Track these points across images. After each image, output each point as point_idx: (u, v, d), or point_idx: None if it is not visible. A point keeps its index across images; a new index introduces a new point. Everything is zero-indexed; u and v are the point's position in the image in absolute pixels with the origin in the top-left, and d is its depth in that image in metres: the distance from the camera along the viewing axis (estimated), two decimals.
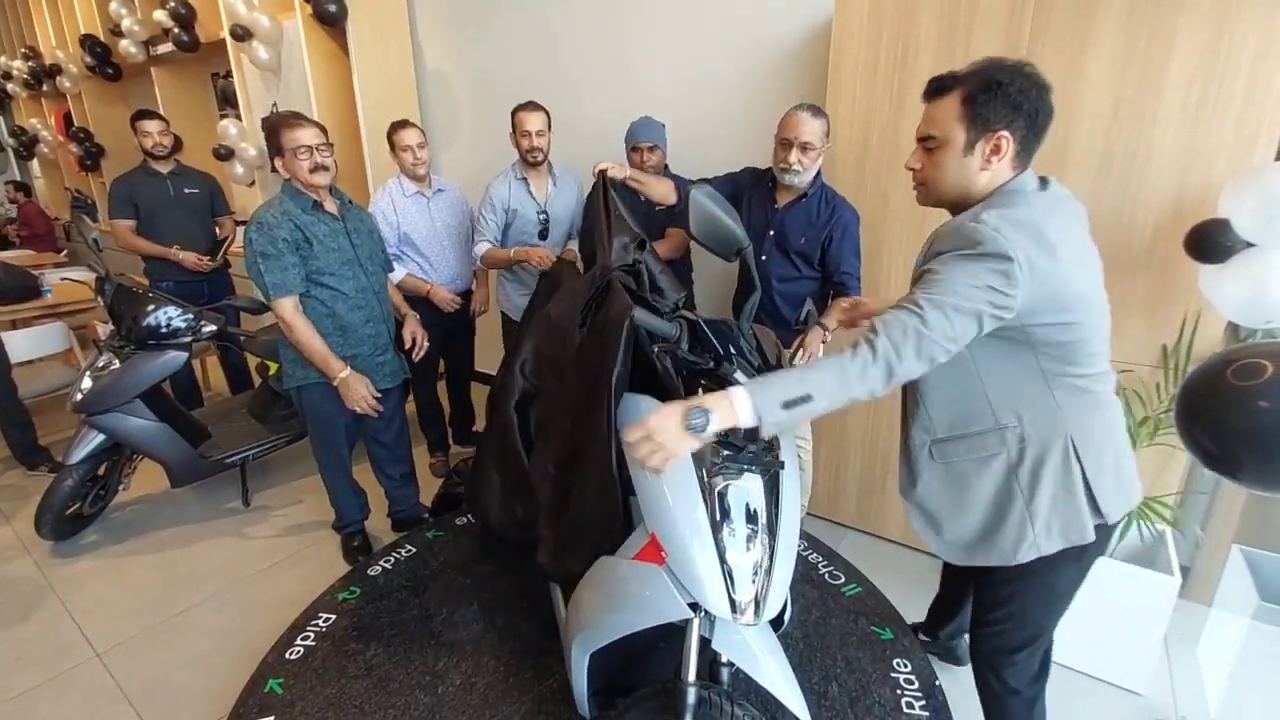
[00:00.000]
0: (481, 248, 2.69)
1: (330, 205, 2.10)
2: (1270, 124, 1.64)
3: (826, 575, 2.26)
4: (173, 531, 2.72)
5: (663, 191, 2.13)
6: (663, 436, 0.96)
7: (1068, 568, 1.22)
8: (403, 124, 2.69)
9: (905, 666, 1.85)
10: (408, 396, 3.47)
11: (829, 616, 2.05)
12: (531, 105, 2.60)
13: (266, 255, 1.93)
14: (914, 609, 2.07)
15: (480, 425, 3.42)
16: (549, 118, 2.62)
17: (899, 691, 1.77)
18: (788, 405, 0.96)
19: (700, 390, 1.32)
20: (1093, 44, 1.81)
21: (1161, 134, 1.76)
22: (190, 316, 2.64)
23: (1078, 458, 1.13)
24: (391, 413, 2.39)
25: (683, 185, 2.05)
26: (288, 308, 1.98)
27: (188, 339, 2.65)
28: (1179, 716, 1.73)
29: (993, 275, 0.97)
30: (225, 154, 4.45)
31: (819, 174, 2.15)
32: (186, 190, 3.42)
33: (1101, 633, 1.82)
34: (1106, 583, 1.77)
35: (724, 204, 1.22)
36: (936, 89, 1.13)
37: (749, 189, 2.20)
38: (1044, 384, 1.12)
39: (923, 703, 1.73)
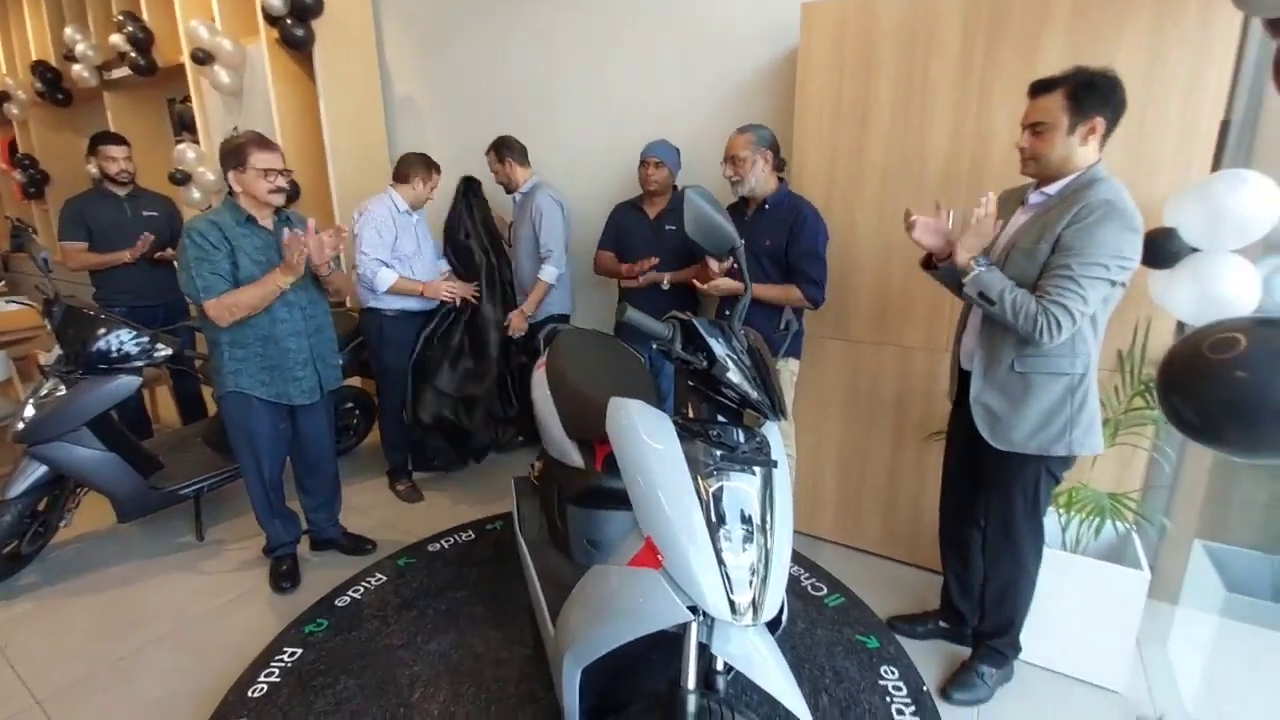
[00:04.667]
0: (550, 272, 2.90)
1: (266, 220, 2.14)
2: (1204, 143, 1.78)
3: (809, 587, 2.25)
4: (119, 569, 2.55)
5: (732, 287, 2.22)
6: (980, 230, 1.55)
7: (1055, 473, 1.65)
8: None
9: (893, 673, 1.85)
10: (356, 417, 3.43)
11: (814, 628, 2.04)
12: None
13: (200, 260, 1.99)
14: (897, 610, 2.13)
15: None
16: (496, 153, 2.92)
17: (888, 699, 1.76)
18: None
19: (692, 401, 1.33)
20: (1040, 72, 1.92)
21: (1107, 152, 1.88)
22: (144, 340, 2.53)
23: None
24: (316, 430, 2.37)
25: (739, 279, 2.11)
26: (215, 305, 2.02)
27: (141, 363, 2.53)
28: (1157, 714, 1.77)
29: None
30: (182, 178, 4.33)
31: (784, 183, 2.28)
32: (145, 212, 3.31)
33: (1077, 631, 1.86)
34: (1078, 580, 1.82)
35: (716, 203, 1.25)
36: (1042, 87, 1.51)
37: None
38: (1092, 327, 1.51)
39: (912, 708, 1.73)
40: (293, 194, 3.61)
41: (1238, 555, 1.85)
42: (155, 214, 3.36)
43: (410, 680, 1.85)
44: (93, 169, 3.25)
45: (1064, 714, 1.79)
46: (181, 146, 4.31)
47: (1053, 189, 1.53)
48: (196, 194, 4.37)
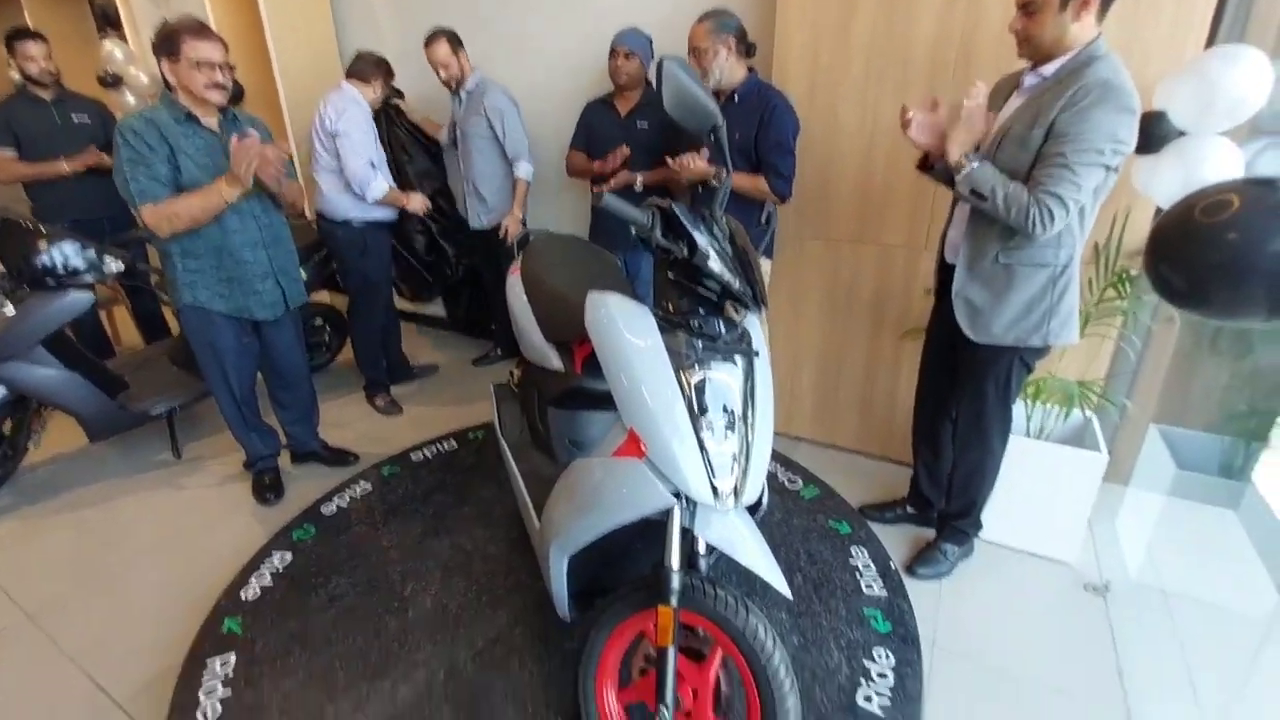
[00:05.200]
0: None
1: (210, 120, 1.97)
2: (1200, 23, 1.71)
3: (785, 481, 2.34)
4: (97, 488, 2.53)
5: (703, 170, 2.10)
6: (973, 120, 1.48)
7: (1028, 362, 1.68)
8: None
9: (863, 554, 1.96)
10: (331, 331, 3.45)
11: (790, 517, 2.13)
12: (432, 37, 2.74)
13: (135, 162, 1.83)
14: (868, 500, 2.25)
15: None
16: (450, 44, 2.73)
17: (858, 575, 1.87)
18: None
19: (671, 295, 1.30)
20: None
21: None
22: (91, 253, 2.39)
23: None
24: (284, 344, 2.30)
25: (719, 162, 1.99)
26: (152, 211, 1.87)
27: (90, 278, 2.40)
28: (1103, 580, 1.91)
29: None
30: (112, 81, 3.96)
31: (753, 73, 2.16)
32: (75, 118, 3.05)
33: (1034, 511, 1.97)
34: (1040, 463, 1.91)
35: (695, 76, 1.17)
36: None
37: None
38: (1079, 218, 1.48)
39: (880, 583, 1.85)
40: (236, 94, 3.34)
41: (1190, 438, 1.95)
42: (87, 119, 3.10)
43: (402, 577, 1.91)
44: (14, 73, 2.96)
45: (1018, 583, 1.93)
46: (108, 45, 3.92)
47: (1048, 70, 1.46)
48: (130, 99, 4.02)
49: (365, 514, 2.22)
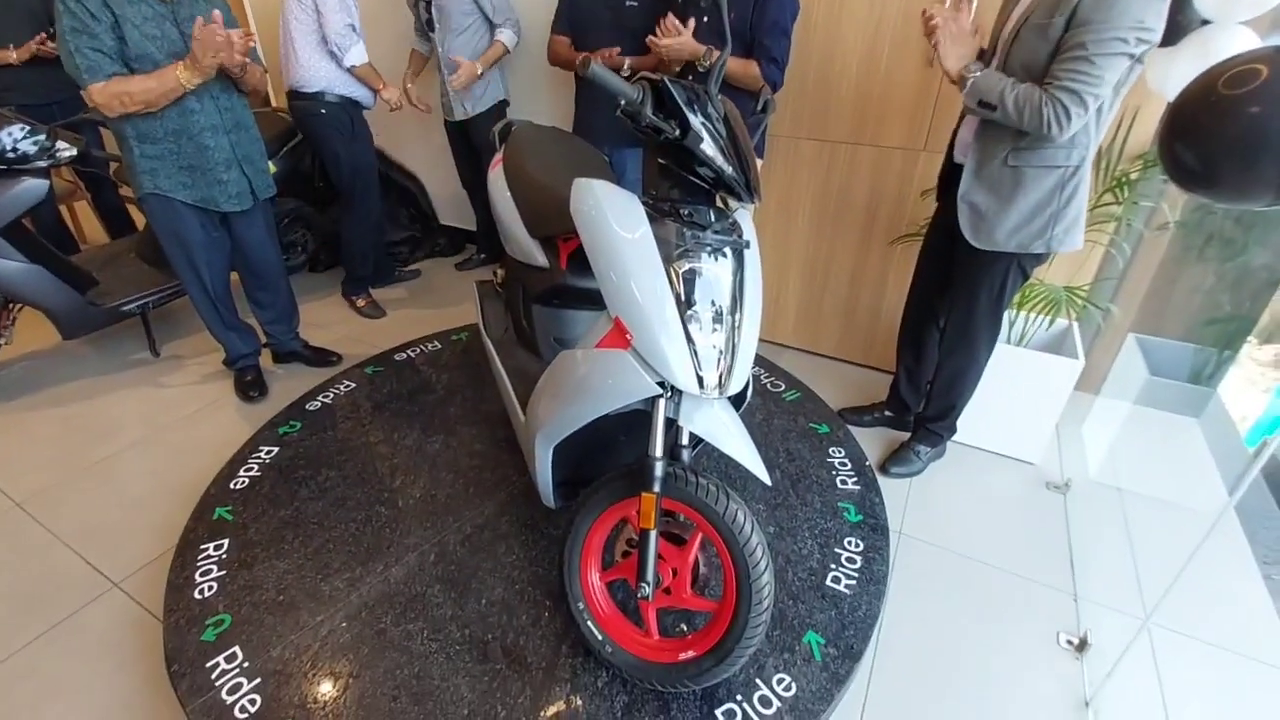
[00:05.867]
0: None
1: None
2: None
3: (768, 385, 2.37)
4: (76, 385, 2.50)
5: (692, 48, 1.93)
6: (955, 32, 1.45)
7: (1026, 269, 1.64)
8: None
9: (840, 453, 2.02)
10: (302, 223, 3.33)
11: (771, 419, 2.18)
12: None
13: (77, 32, 1.68)
14: (847, 404, 2.29)
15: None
16: None
17: (834, 472, 1.94)
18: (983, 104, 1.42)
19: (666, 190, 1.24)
20: None
21: None
22: (41, 137, 2.24)
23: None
24: (256, 239, 2.22)
25: (715, 34, 1.82)
26: (101, 90, 1.74)
27: (43, 163, 2.26)
28: (1064, 479, 2.00)
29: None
30: None
31: None
32: None
33: (1007, 415, 2.02)
34: (1018, 369, 1.95)
35: None
36: None
37: None
38: (1096, 116, 1.40)
39: (855, 479, 1.92)
40: None
41: (1165, 346, 1.99)
42: None
43: (390, 470, 1.94)
44: None
45: (984, 481, 2.01)
46: None
47: None
48: None
49: (351, 411, 2.22)
